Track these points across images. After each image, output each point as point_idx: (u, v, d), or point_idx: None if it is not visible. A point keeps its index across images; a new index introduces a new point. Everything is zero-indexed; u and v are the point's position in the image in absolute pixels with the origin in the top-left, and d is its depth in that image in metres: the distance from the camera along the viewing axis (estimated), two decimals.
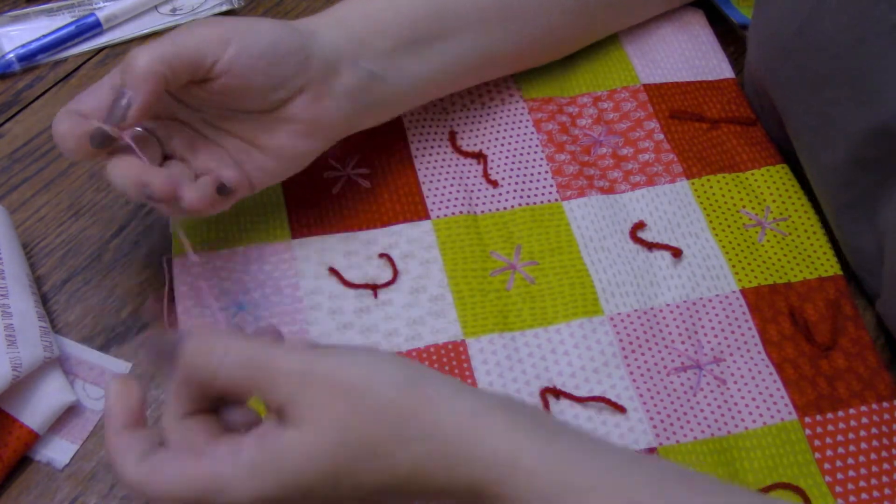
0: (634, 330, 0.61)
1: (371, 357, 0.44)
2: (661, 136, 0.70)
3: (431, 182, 0.66)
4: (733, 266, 0.64)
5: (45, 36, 0.72)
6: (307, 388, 0.42)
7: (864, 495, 0.56)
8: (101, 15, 0.73)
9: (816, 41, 0.58)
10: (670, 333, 0.61)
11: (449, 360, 0.59)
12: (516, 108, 0.70)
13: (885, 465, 0.56)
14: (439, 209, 0.65)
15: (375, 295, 0.61)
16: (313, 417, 0.41)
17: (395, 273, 0.62)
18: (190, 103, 0.56)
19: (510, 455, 0.41)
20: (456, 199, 0.65)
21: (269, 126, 0.57)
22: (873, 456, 0.57)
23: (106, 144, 0.52)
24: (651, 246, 0.64)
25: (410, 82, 0.62)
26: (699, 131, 0.71)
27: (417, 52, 0.61)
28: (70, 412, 0.56)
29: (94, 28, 0.73)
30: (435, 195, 0.65)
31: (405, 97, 0.63)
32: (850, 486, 0.56)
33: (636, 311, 0.62)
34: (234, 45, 0.53)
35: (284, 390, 0.42)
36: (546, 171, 0.67)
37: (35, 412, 0.55)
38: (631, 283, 0.63)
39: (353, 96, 0.59)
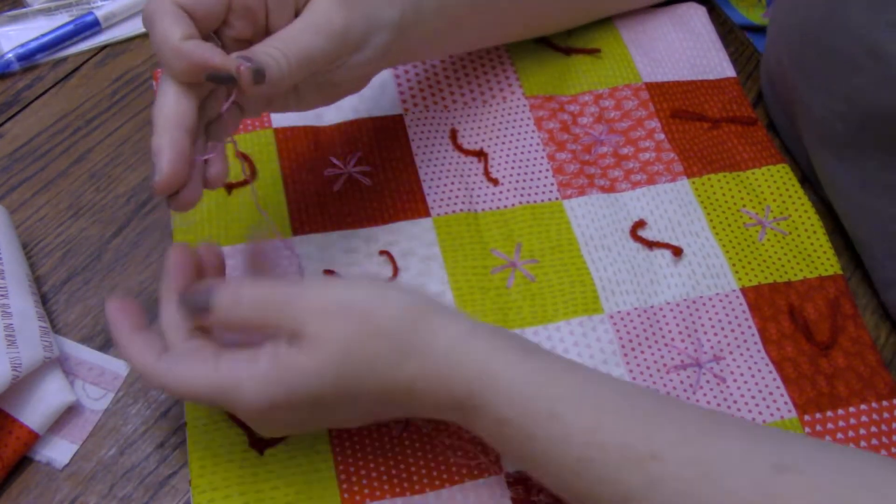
0: (634, 328, 0.61)
1: (377, 285, 0.49)
2: (662, 136, 0.70)
3: (432, 180, 0.66)
4: (733, 265, 0.64)
5: (43, 35, 0.72)
6: (317, 315, 0.47)
7: None
8: (99, 14, 0.73)
9: (844, 26, 0.58)
10: (670, 332, 0.61)
11: None
12: (517, 106, 0.70)
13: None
14: (440, 207, 0.65)
15: None
16: (322, 339, 0.46)
17: (396, 270, 0.62)
18: None
19: (491, 369, 0.47)
20: (456, 196, 0.65)
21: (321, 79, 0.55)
22: None
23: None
24: (651, 244, 0.64)
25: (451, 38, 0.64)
26: (700, 130, 0.71)
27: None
28: (70, 412, 0.56)
29: (93, 27, 0.73)
30: (436, 193, 0.65)
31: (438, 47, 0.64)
32: None
33: (636, 309, 0.62)
34: (367, 49, 0.53)
35: (299, 319, 0.47)
36: (547, 170, 0.67)
37: (35, 412, 0.55)
38: (631, 281, 0.63)
39: (417, 50, 0.61)
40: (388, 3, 0.54)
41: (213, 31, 0.50)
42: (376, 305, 0.48)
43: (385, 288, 0.49)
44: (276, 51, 0.48)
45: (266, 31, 0.51)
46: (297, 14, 0.51)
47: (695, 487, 0.44)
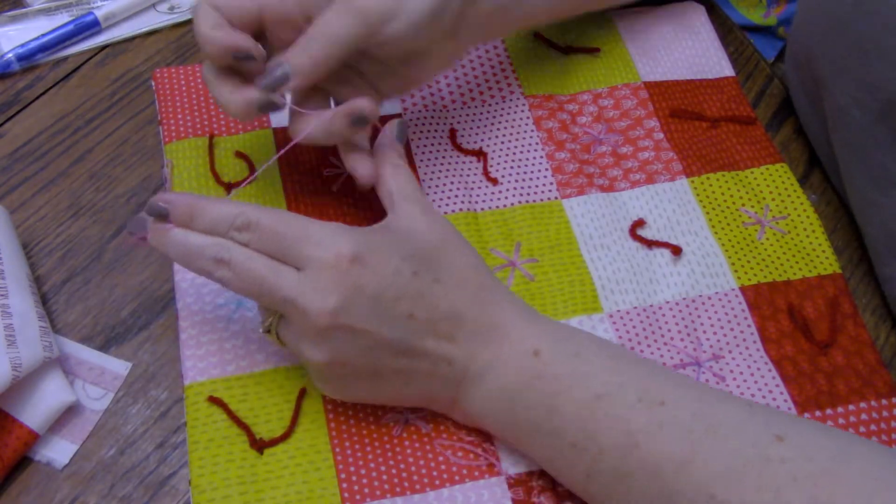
0: (634, 327, 0.61)
1: None
2: (661, 135, 0.70)
3: (431, 179, 0.66)
4: (732, 264, 0.64)
5: (43, 35, 0.72)
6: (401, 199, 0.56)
7: None
8: (99, 14, 0.73)
9: (873, 13, 0.58)
10: (669, 331, 0.61)
11: None
12: (517, 105, 0.70)
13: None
14: (439, 206, 0.65)
15: None
16: (417, 221, 0.54)
17: None
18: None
19: (521, 304, 0.55)
20: (456, 196, 0.65)
21: (408, 63, 0.59)
22: None
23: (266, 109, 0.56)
24: (651, 244, 0.64)
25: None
26: (699, 130, 0.71)
27: None
28: (70, 412, 0.56)
29: (93, 27, 0.73)
30: (435, 192, 0.65)
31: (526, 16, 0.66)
32: None
33: (636, 308, 0.62)
34: (399, 20, 0.55)
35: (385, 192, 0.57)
36: (546, 169, 0.67)
37: (35, 412, 0.55)
38: (630, 280, 0.63)
39: (485, 25, 0.62)
40: None
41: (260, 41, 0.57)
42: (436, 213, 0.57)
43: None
44: (301, 46, 0.54)
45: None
46: None
47: (698, 437, 0.48)
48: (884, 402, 0.59)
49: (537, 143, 0.69)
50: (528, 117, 0.70)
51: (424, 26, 0.56)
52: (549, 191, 0.67)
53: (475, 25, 0.60)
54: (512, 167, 0.67)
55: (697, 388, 0.51)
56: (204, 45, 0.55)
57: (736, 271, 0.64)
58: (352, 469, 0.54)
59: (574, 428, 0.50)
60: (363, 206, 0.65)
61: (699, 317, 0.62)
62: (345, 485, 0.54)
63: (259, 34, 0.57)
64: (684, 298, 0.62)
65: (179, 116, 0.67)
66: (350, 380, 0.53)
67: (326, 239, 0.50)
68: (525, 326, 0.53)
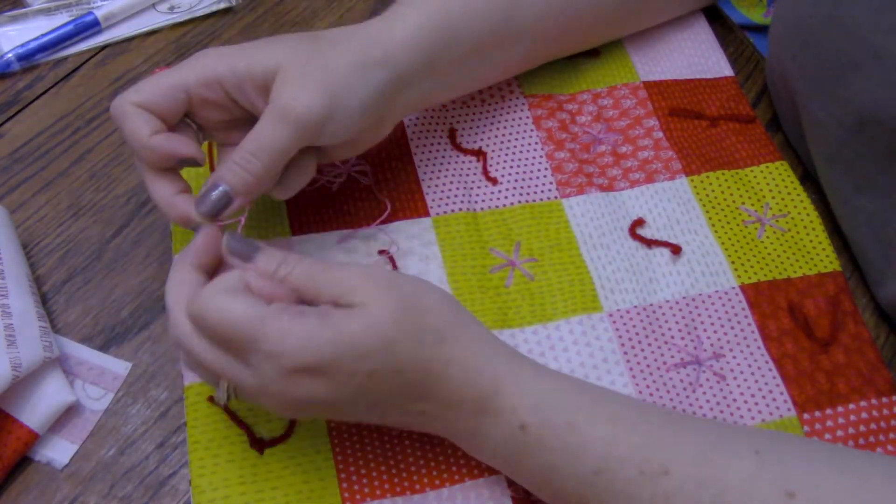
0: (634, 326, 0.61)
1: (418, 278, 0.51)
2: (661, 134, 0.70)
3: (431, 179, 0.66)
4: (732, 262, 0.64)
5: (43, 35, 0.72)
6: (367, 283, 0.47)
7: None
8: (99, 14, 0.73)
9: (847, 28, 0.58)
10: (669, 329, 0.61)
11: None
12: (516, 105, 0.70)
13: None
14: (439, 206, 0.65)
15: None
16: (373, 307, 0.46)
17: (395, 270, 0.62)
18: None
19: (515, 371, 0.49)
20: (455, 196, 0.65)
21: (334, 148, 0.58)
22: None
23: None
24: (650, 243, 0.64)
25: (467, 84, 0.65)
26: (698, 129, 0.71)
27: (481, 59, 0.63)
28: (70, 412, 0.56)
29: (93, 27, 0.73)
30: (434, 192, 0.65)
31: (456, 93, 0.66)
32: None
33: (635, 307, 0.62)
34: (335, 121, 0.53)
35: (346, 284, 0.47)
36: (546, 169, 0.67)
37: (35, 412, 0.55)
38: (630, 279, 0.63)
39: (413, 107, 0.61)
40: (364, 71, 0.55)
41: (188, 118, 0.55)
42: (423, 289, 0.49)
43: (423, 280, 0.51)
44: (239, 164, 0.52)
45: (247, 111, 0.55)
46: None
47: None
48: (884, 400, 0.59)
49: (537, 143, 0.69)
50: (527, 117, 0.70)
51: (357, 123, 0.55)
52: (549, 190, 0.66)
53: (403, 110, 0.60)
54: (511, 167, 0.67)
55: (699, 441, 0.48)
56: (142, 152, 0.52)
57: (736, 270, 0.64)
58: (352, 469, 0.54)
59: (576, 499, 0.48)
60: (363, 205, 0.65)
61: (699, 315, 0.62)
62: (345, 485, 0.54)
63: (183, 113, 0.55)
64: (684, 297, 0.62)
65: None
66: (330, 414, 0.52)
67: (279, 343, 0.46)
68: (507, 392, 0.49)
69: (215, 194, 0.52)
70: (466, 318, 0.51)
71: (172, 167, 0.54)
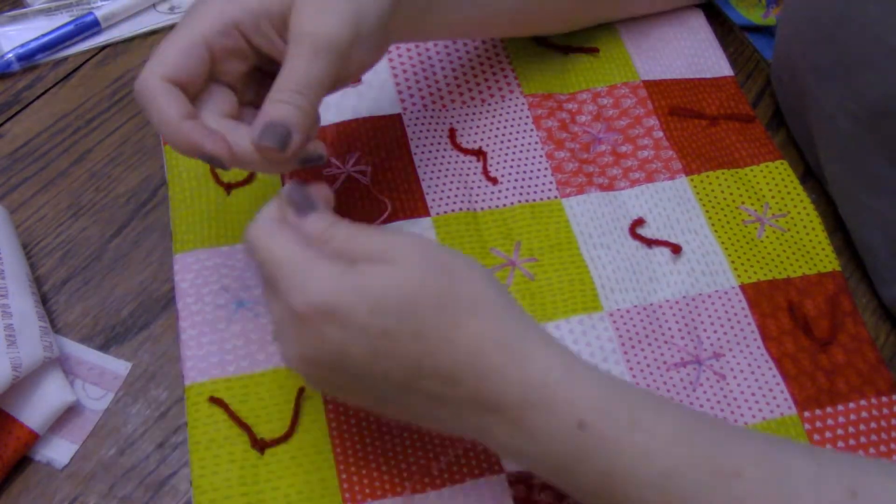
0: (634, 326, 0.61)
1: (464, 254, 0.48)
2: (661, 134, 0.70)
3: (431, 179, 0.66)
4: (732, 262, 0.64)
5: (43, 35, 0.72)
6: (402, 243, 0.46)
7: None
8: (99, 14, 0.73)
9: (860, 25, 0.58)
10: (669, 329, 0.61)
11: None
12: (516, 105, 0.70)
13: (884, 461, 0.56)
14: (439, 206, 0.65)
15: None
16: (403, 260, 0.45)
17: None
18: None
19: (570, 361, 0.45)
20: (455, 196, 0.65)
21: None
22: (872, 451, 0.57)
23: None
24: (650, 242, 0.64)
25: (455, 18, 0.62)
26: (698, 128, 0.71)
27: None
28: (70, 412, 0.56)
29: (93, 27, 0.73)
30: (434, 192, 0.65)
31: (444, 27, 0.63)
32: None
33: (636, 307, 0.62)
34: (359, 44, 0.51)
35: (382, 243, 0.45)
36: (546, 169, 0.67)
37: (35, 412, 0.55)
38: (630, 279, 0.63)
39: (408, 29, 0.58)
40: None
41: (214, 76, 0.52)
42: (464, 259, 0.47)
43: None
44: (288, 96, 0.48)
45: (264, 55, 0.52)
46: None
47: None
48: (884, 399, 0.59)
49: (537, 143, 0.69)
50: (527, 116, 0.70)
51: (379, 42, 0.53)
52: (549, 190, 0.66)
53: (398, 33, 0.57)
54: (511, 166, 0.67)
55: (755, 441, 0.45)
56: (170, 136, 0.48)
57: (736, 269, 0.64)
58: (352, 469, 0.54)
59: None
60: (363, 205, 0.65)
61: (699, 315, 0.62)
62: (345, 485, 0.54)
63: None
64: (684, 297, 0.62)
65: None
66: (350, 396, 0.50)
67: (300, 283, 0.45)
68: (562, 383, 0.44)
69: (276, 126, 0.48)
70: (510, 299, 0.47)
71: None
